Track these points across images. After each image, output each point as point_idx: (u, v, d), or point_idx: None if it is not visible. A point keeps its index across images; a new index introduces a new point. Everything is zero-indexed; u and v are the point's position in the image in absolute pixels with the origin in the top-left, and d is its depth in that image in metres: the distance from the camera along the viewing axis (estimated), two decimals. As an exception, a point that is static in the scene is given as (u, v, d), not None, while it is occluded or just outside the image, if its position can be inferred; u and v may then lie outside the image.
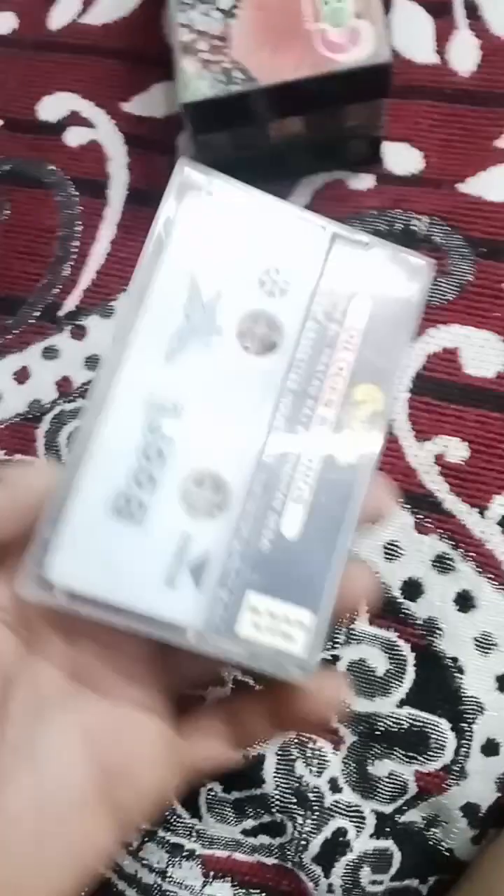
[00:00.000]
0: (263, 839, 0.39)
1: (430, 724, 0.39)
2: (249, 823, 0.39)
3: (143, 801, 0.29)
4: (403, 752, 0.39)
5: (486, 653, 0.38)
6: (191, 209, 0.28)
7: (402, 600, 0.39)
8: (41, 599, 0.26)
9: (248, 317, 0.28)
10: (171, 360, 0.27)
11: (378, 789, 0.39)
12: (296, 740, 0.39)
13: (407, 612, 0.39)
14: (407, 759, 0.39)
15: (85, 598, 0.26)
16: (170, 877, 0.39)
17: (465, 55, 0.44)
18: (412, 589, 0.39)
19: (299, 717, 0.28)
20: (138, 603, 0.26)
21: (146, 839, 0.39)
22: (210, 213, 0.28)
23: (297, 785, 0.39)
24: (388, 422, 0.27)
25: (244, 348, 0.28)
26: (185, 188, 0.28)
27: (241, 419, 0.27)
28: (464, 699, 0.38)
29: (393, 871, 0.39)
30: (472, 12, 0.45)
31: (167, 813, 0.39)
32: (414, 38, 0.45)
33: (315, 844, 0.38)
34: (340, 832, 0.39)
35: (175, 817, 0.39)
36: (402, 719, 0.39)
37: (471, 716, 0.38)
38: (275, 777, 0.39)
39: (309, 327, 0.28)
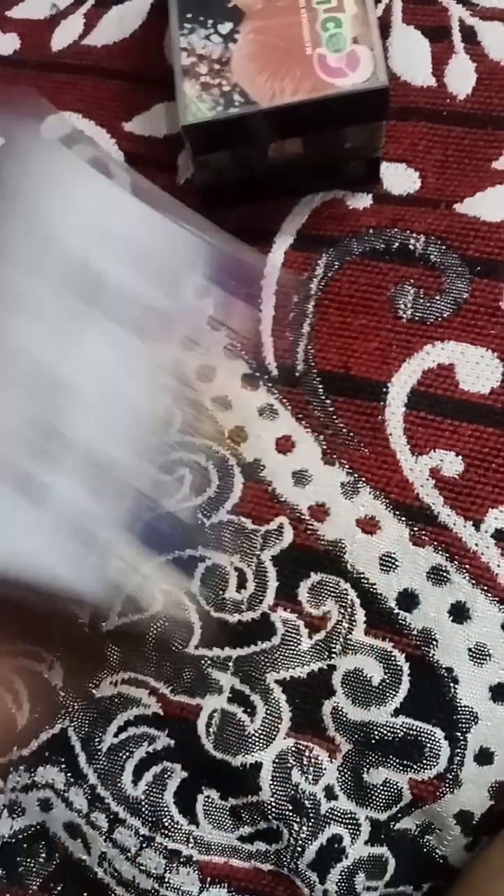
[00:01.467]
0: (260, 846, 0.40)
1: (424, 732, 0.39)
2: (246, 830, 0.40)
3: None
4: (398, 761, 0.39)
5: (480, 663, 0.39)
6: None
7: (397, 611, 0.40)
8: None
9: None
10: (64, 338, 0.29)
11: (373, 797, 0.39)
12: (293, 748, 0.40)
13: (402, 622, 0.40)
14: (402, 768, 0.39)
15: None
16: (167, 882, 0.40)
17: (462, 78, 0.45)
18: (408, 600, 0.40)
19: None
20: (37, 571, 0.28)
21: (144, 845, 0.40)
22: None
23: (294, 792, 0.39)
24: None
25: (132, 331, 0.29)
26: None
27: (130, 400, 0.29)
28: (458, 709, 0.39)
29: (387, 877, 0.39)
30: (469, 37, 0.46)
31: (164, 818, 0.40)
32: (412, 61, 0.46)
33: (311, 851, 0.39)
34: (336, 839, 0.39)
35: (173, 823, 0.40)
36: (397, 728, 0.39)
37: (465, 725, 0.39)
38: (271, 784, 0.39)
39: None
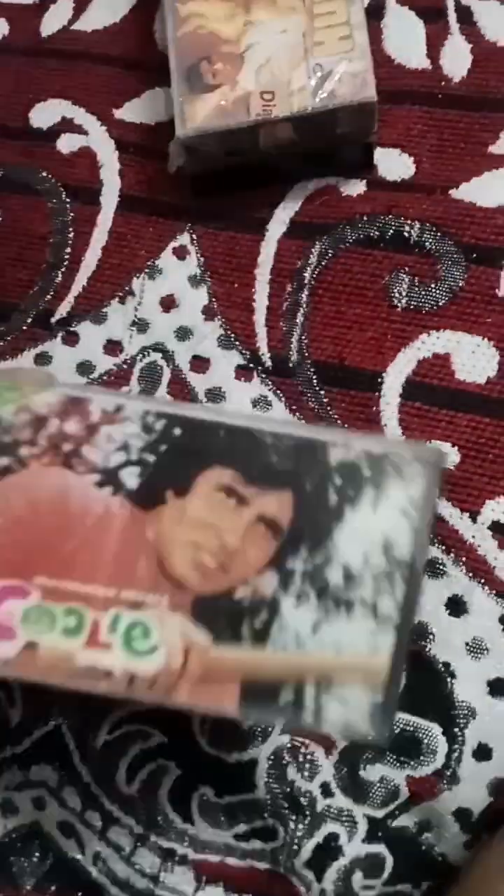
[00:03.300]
0: (255, 844, 0.39)
1: (421, 728, 0.39)
2: (241, 828, 0.39)
3: None
4: (395, 757, 0.39)
5: (478, 658, 0.39)
6: None
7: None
8: None
9: None
10: None
11: (370, 794, 0.39)
12: (288, 745, 0.39)
13: (398, 617, 0.39)
14: (399, 764, 0.39)
15: None
16: (162, 882, 0.39)
17: (457, 60, 0.44)
18: (404, 594, 0.39)
19: None
20: None
21: (138, 843, 0.39)
22: None
23: (289, 790, 0.39)
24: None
25: None
26: None
27: None
28: (455, 704, 0.38)
29: (385, 876, 0.39)
30: (465, 17, 0.45)
31: (159, 816, 0.39)
32: (406, 43, 0.45)
33: (307, 849, 0.39)
34: (332, 837, 0.39)
35: (167, 822, 0.39)
36: (395, 724, 0.39)
37: (462, 721, 0.38)
38: (266, 782, 0.39)
39: None
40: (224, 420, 0.27)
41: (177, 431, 0.27)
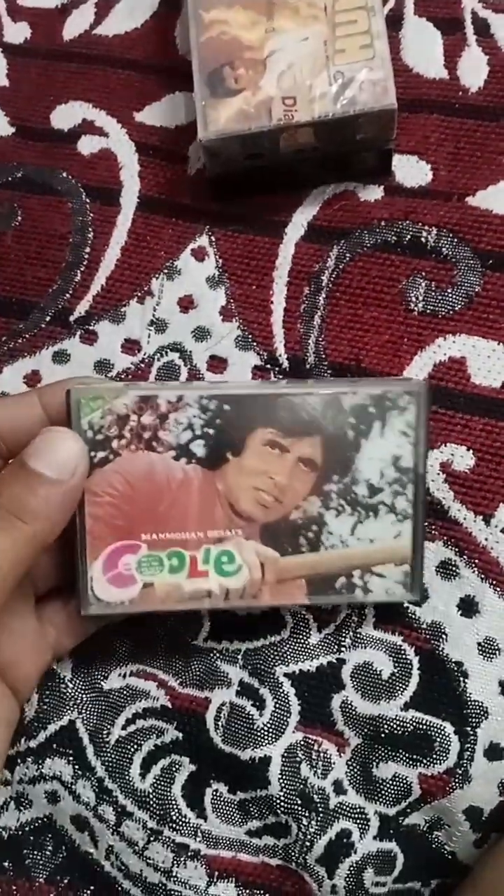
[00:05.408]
0: (268, 840, 0.40)
1: (434, 727, 0.39)
2: (254, 824, 0.40)
3: None
4: (408, 755, 0.39)
5: (490, 658, 0.39)
6: None
7: (407, 605, 0.40)
8: None
9: None
10: None
11: (382, 791, 0.39)
12: (302, 742, 0.40)
13: (412, 616, 0.40)
14: (411, 762, 0.39)
15: None
16: (175, 876, 0.40)
17: (474, 71, 0.45)
18: (417, 594, 0.40)
19: None
20: None
21: (151, 838, 0.40)
22: None
23: (302, 787, 0.39)
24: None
25: None
26: None
27: None
28: (468, 703, 0.39)
29: (396, 873, 0.39)
30: (482, 30, 0.45)
31: (172, 812, 0.40)
32: (424, 53, 0.46)
33: (319, 846, 0.39)
34: (344, 834, 0.39)
35: (181, 817, 0.40)
36: (407, 722, 0.39)
37: (475, 720, 0.39)
38: (280, 779, 0.39)
39: None
40: (260, 391, 0.36)
41: (226, 407, 0.35)
